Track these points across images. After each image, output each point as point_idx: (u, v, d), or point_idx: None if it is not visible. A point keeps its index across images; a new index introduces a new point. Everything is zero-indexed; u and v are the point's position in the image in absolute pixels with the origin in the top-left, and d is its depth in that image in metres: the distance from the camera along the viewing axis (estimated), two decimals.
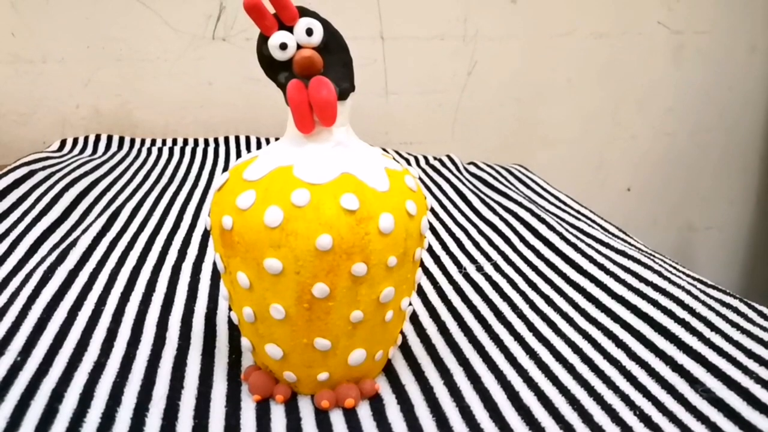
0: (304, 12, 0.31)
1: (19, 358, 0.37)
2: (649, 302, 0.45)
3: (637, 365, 0.38)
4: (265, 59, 0.31)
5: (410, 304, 0.37)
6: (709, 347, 0.39)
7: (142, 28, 0.89)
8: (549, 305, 0.46)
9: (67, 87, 0.90)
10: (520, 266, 0.54)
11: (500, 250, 0.57)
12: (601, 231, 0.61)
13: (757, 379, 0.36)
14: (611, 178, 1.20)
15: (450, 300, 0.47)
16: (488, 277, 0.51)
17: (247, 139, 0.91)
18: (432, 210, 0.68)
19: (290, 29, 0.31)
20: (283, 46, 0.31)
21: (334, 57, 0.32)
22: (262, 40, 0.31)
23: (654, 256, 0.56)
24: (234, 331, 0.41)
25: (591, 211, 0.69)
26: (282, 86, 0.32)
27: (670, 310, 0.43)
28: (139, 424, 0.32)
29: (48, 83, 0.89)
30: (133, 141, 0.88)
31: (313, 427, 0.33)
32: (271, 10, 0.31)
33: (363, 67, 0.98)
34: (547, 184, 0.78)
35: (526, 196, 0.73)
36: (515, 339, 0.42)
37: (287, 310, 0.32)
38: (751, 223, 1.32)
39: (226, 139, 0.91)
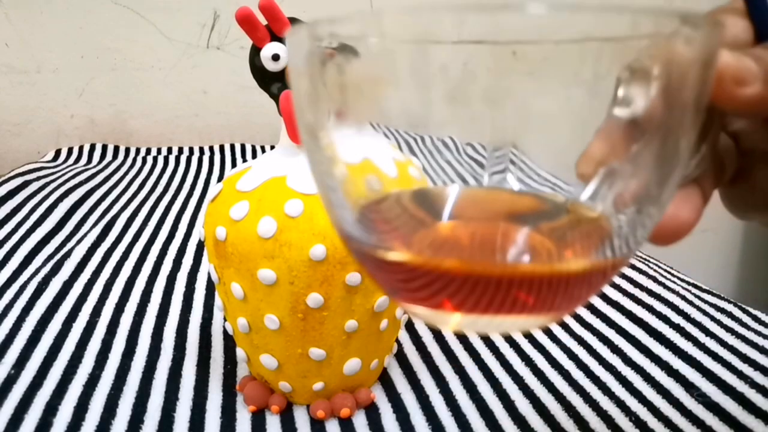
0: (296, 23, 0.31)
1: (12, 371, 0.37)
2: (644, 307, 0.45)
3: (633, 371, 0.38)
4: (258, 70, 0.32)
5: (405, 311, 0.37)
6: (704, 352, 0.40)
7: (137, 38, 0.90)
8: None
9: (62, 97, 0.90)
10: None
11: None
12: None
13: (752, 384, 0.36)
14: None
15: None
16: None
17: (242, 147, 0.91)
18: None
19: (282, 40, 0.31)
20: (276, 57, 0.31)
21: None
22: (255, 51, 0.31)
23: (649, 260, 0.56)
24: (229, 342, 0.41)
25: None
26: (275, 97, 0.32)
27: (665, 316, 0.44)
28: None
29: (42, 93, 0.89)
30: (128, 150, 0.88)
31: None
32: (264, 21, 0.31)
33: None
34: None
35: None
36: (511, 346, 0.42)
37: (282, 320, 0.32)
38: (746, 226, 1.32)
39: (221, 148, 0.91)
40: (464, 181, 0.18)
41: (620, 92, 0.14)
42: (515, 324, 0.16)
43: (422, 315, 0.16)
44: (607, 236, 0.15)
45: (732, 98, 0.17)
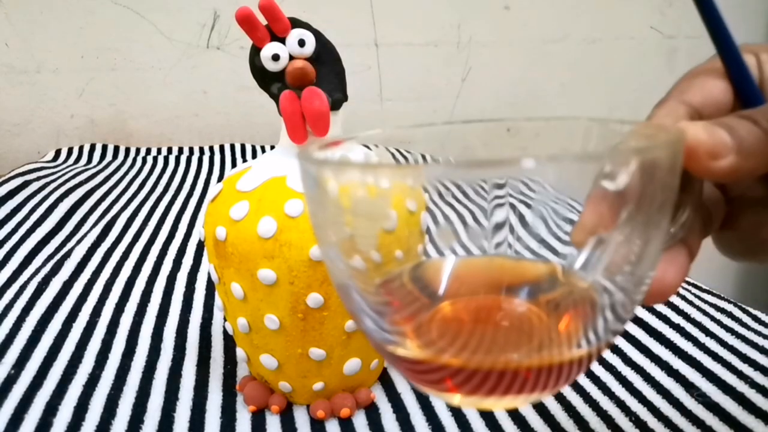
0: (296, 23, 0.31)
1: (12, 371, 0.37)
2: (644, 307, 0.45)
3: (633, 371, 0.38)
4: (258, 70, 0.31)
5: None
6: (704, 352, 0.39)
7: (137, 38, 0.90)
8: None
9: (62, 97, 0.90)
10: None
11: None
12: None
13: (752, 384, 0.36)
14: None
15: None
16: None
17: (242, 147, 0.91)
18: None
19: (282, 40, 0.31)
20: (276, 58, 0.31)
21: (327, 67, 0.32)
22: (255, 51, 0.31)
23: None
24: (229, 342, 0.41)
25: None
26: (275, 97, 0.32)
27: (665, 316, 0.44)
28: None
29: (42, 93, 0.89)
30: (127, 150, 0.88)
31: None
32: (264, 21, 0.31)
33: (357, 74, 0.99)
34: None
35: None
36: None
37: (282, 320, 0.31)
38: None
39: (221, 148, 0.91)
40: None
41: (606, 167, 0.16)
42: (514, 401, 0.17)
43: (428, 392, 0.18)
44: (598, 308, 0.16)
45: (707, 171, 0.17)
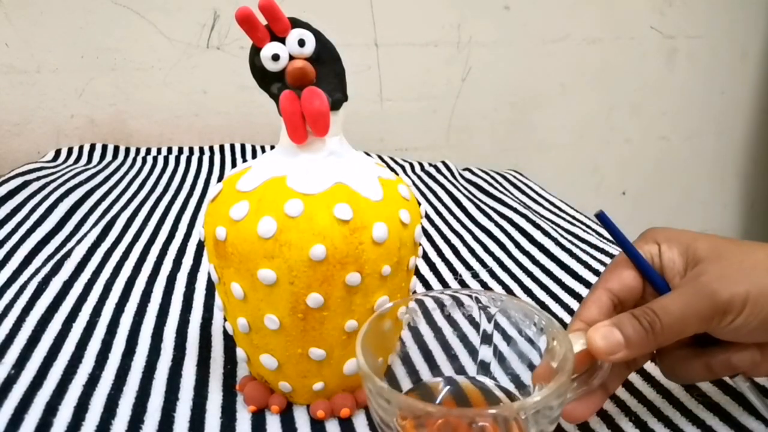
0: (296, 23, 0.31)
1: (12, 371, 0.37)
2: None
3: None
4: (258, 70, 0.32)
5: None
6: None
7: (136, 38, 0.90)
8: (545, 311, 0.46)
9: (62, 97, 0.90)
10: (516, 272, 0.54)
11: (495, 256, 0.57)
12: (596, 236, 0.62)
13: (752, 384, 0.36)
14: (606, 183, 1.20)
15: None
16: (484, 284, 0.51)
17: (242, 147, 0.91)
18: (427, 216, 0.68)
19: (282, 40, 0.31)
20: (276, 58, 0.31)
21: (327, 67, 0.32)
22: (255, 51, 0.31)
23: None
24: (229, 342, 0.41)
25: (586, 216, 0.69)
26: (275, 97, 0.32)
27: None
28: None
29: (42, 93, 0.89)
30: (128, 150, 0.88)
31: None
32: (264, 21, 0.31)
33: (357, 74, 0.99)
34: (542, 189, 0.78)
35: (521, 201, 0.73)
36: None
37: (282, 320, 0.32)
38: (744, 227, 1.32)
39: (221, 148, 0.91)
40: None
41: (548, 346, 0.30)
42: None
43: None
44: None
45: (608, 361, 0.28)
